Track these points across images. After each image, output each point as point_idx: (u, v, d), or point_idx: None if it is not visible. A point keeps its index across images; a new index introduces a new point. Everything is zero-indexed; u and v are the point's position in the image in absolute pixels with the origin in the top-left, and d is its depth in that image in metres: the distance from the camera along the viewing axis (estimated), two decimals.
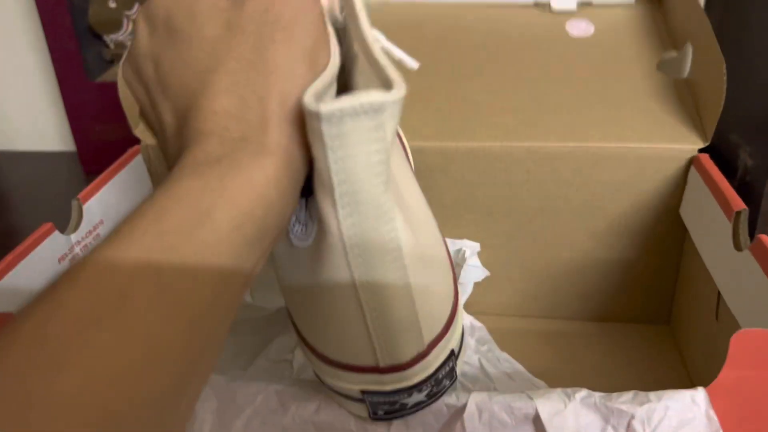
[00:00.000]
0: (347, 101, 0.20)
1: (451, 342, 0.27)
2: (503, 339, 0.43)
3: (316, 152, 0.21)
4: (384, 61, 0.23)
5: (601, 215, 0.41)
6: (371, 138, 0.21)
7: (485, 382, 0.39)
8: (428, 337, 0.25)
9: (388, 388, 0.26)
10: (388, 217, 0.23)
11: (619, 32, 0.47)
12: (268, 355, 0.42)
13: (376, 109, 0.21)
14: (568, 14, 0.49)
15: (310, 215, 0.25)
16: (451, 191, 0.42)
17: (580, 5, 0.49)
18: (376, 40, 0.25)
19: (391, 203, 0.22)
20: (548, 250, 0.43)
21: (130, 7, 0.64)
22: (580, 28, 0.47)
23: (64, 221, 0.39)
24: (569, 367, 0.41)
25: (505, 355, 0.41)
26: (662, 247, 0.42)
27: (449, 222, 0.43)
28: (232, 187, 0.21)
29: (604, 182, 0.40)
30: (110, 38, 0.65)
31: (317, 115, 0.20)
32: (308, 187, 0.24)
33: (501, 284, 0.45)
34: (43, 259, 0.36)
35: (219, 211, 0.20)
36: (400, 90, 0.21)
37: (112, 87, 0.64)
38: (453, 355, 0.27)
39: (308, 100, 0.21)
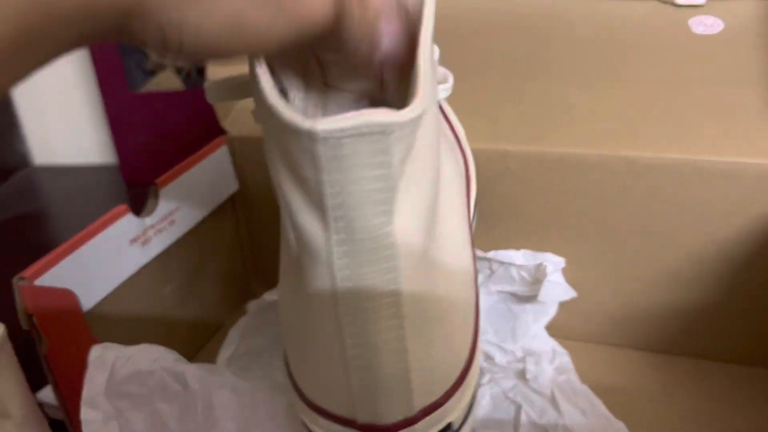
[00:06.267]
0: (347, 120, 0.18)
1: (451, 413, 0.23)
2: (588, 369, 0.38)
3: (305, 167, 0.19)
4: (425, 70, 0.20)
5: (708, 241, 0.36)
6: (373, 163, 0.18)
7: (553, 416, 0.35)
8: (420, 402, 0.22)
9: None
10: (388, 254, 0.19)
11: (752, 29, 0.41)
12: None
13: (382, 131, 0.18)
14: (695, 8, 0.43)
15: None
16: (535, 203, 0.38)
17: None
18: (432, 48, 0.22)
19: (392, 239, 0.19)
20: (645, 276, 0.38)
21: None
22: (706, 25, 0.41)
23: None
24: (658, 410, 0.36)
25: (584, 389, 0.37)
26: None
27: (530, 237, 0.39)
28: None
29: (713, 203, 0.35)
30: None
31: (311, 134, 0.18)
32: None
33: (590, 309, 0.40)
34: (114, 238, 0.36)
35: None
36: (413, 110, 0.18)
37: (154, 97, 0.64)
38: (449, 429, 0.23)
39: (293, 115, 0.18)
